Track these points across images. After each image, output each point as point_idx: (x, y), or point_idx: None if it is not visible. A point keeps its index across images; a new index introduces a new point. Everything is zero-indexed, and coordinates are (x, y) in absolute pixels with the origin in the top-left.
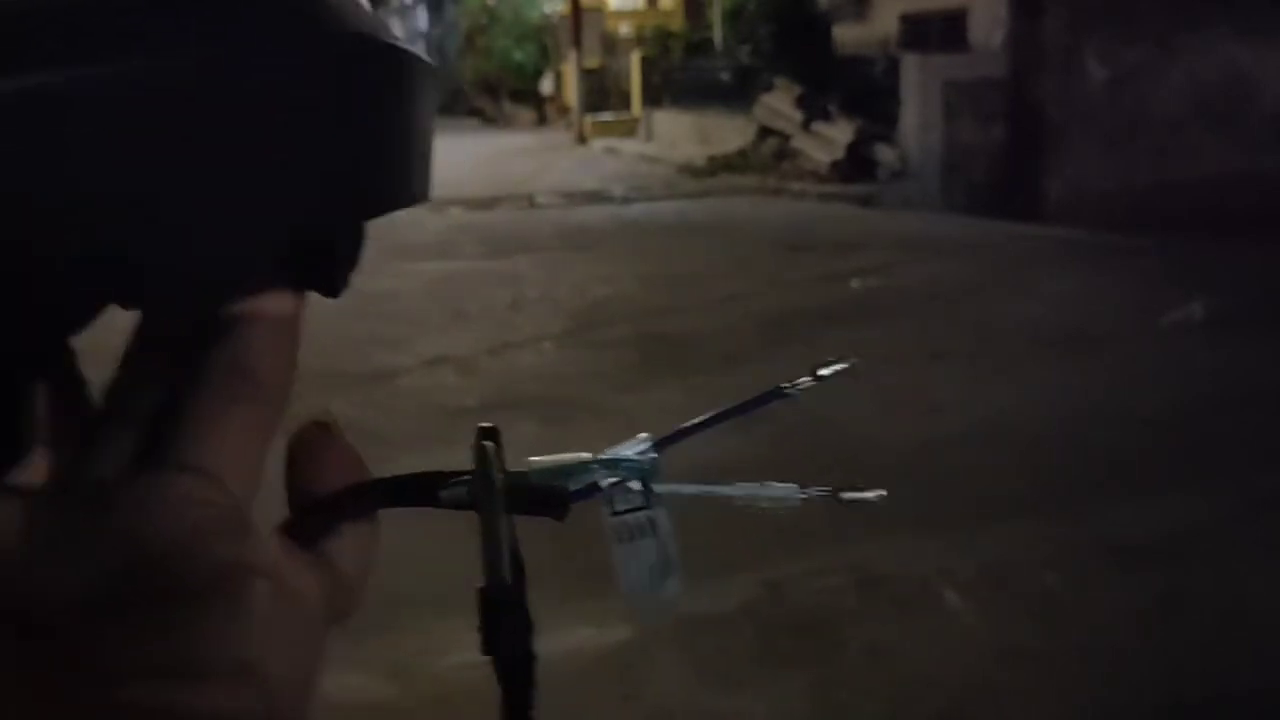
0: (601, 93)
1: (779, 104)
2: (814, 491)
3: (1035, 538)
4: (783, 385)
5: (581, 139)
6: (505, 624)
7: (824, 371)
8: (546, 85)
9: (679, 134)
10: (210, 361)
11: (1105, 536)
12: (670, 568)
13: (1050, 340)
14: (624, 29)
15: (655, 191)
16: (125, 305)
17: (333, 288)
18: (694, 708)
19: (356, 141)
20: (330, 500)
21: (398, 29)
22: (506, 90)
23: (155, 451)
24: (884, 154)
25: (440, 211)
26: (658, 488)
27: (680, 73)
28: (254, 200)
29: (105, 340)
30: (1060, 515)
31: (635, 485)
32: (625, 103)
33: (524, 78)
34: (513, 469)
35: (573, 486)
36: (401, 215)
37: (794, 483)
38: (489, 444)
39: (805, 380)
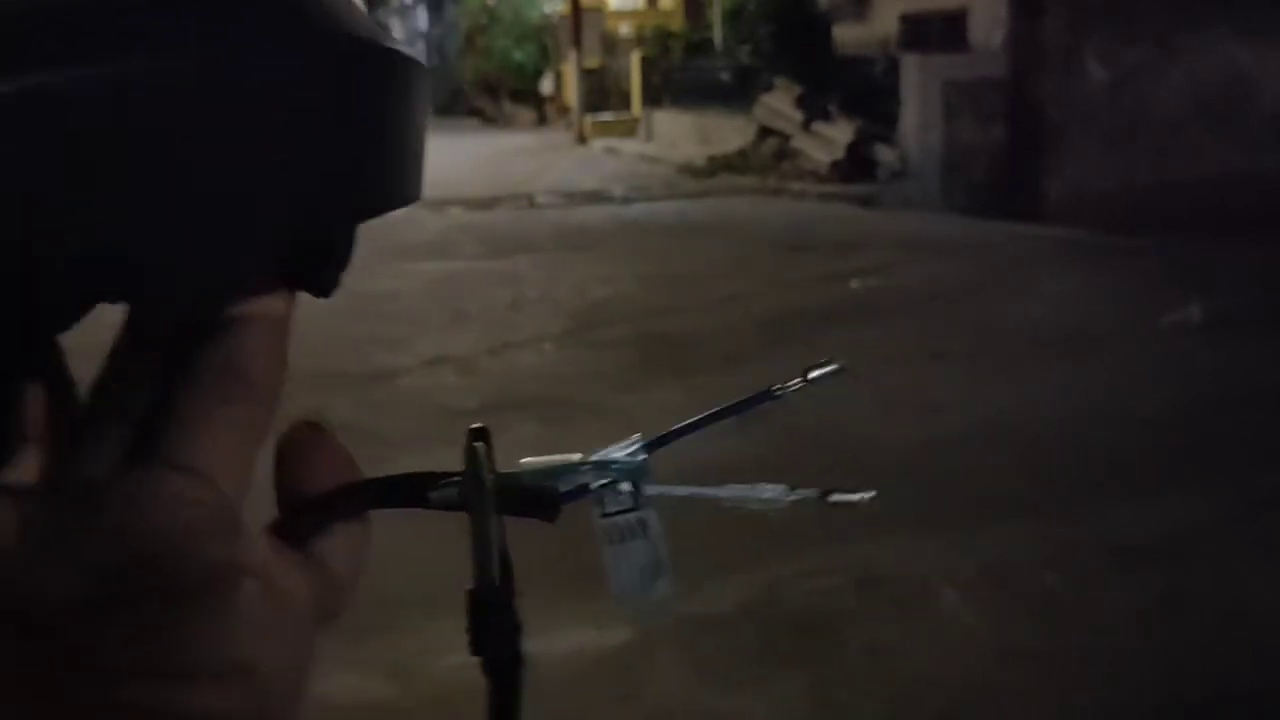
0: (601, 93)
1: (779, 104)
2: (803, 493)
3: (1035, 538)
4: (773, 387)
5: (581, 139)
6: (493, 625)
7: (814, 373)
8: (546, 85)
9: (679, 134)
10: (203, 361)
11: (1105, 536)
12: (661, 569)
13: (1050, 340)
14: (624, 29)
15: (655, 191)
16: (120, 302)
17: (324, 288)
18: (694, 708)
19: (355, 141)
20: (321, 500)
21: (397, 29)
22: (506, 90)
23: (146, 450)
24: (884, 154)
25: (440, 211)
26: (648, 489)
27: (680, 73)
28: (253, 200)
29: (93, 337)
30: (1060, 515)
31: (625, 487)
32: (625, 103)
33: (524, 78)
34: (503, 470)
35: (563, 488)
36: (401, 215)
37: (790, 483)
38: (479, 445)
39: (796, 382)
